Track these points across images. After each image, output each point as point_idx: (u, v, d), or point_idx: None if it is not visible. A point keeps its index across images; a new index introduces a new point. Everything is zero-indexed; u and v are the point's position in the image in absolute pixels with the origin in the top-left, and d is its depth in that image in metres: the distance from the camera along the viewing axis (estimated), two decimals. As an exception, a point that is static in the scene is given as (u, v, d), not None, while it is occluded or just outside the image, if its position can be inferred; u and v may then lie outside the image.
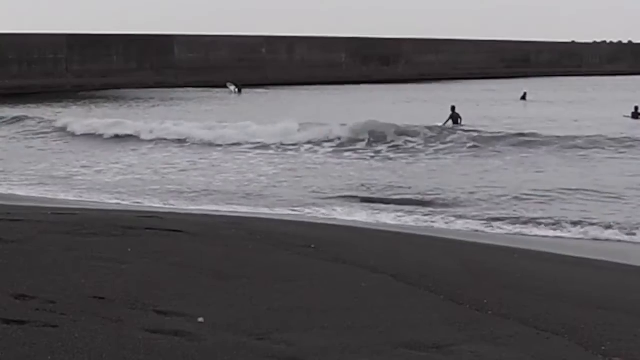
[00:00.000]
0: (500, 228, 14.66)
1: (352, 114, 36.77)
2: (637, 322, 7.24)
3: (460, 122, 35.26)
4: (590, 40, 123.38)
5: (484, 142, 27.48)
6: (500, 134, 28.66)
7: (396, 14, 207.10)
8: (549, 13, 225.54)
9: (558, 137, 27.66)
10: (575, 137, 27.48)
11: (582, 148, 26.01)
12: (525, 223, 15.00)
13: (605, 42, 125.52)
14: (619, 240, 13.73)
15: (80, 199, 17.85)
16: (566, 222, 14.89)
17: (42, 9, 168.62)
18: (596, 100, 55.65)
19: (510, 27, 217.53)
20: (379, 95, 65.82)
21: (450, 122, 35.20)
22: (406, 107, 51.24)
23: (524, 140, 27.39)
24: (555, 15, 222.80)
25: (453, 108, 35.69)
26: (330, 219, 15.28)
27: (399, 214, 15.97)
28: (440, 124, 35.13)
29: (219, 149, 28.18)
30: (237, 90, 66.50)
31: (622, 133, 29.12)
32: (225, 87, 71.18)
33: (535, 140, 27.33)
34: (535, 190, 18.28)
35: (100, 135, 32.03)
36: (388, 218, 15.52)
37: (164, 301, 6.75)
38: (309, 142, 28.05)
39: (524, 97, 54.60)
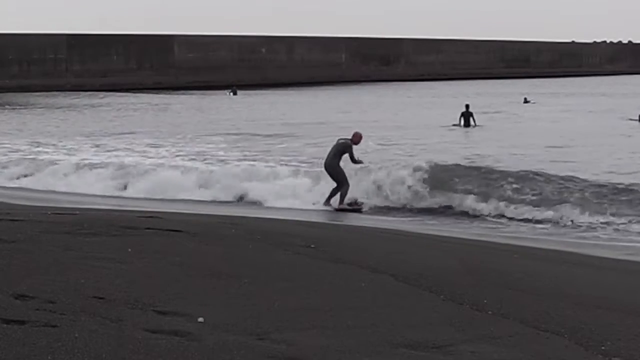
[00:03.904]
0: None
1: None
2: (637, 322, 7.24)
3: (474, 123, 34.90)
4: (590, 40, 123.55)
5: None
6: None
7: (396, 14, 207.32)
8: (549, 13, 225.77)
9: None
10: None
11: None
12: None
13: (605, 42, 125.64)
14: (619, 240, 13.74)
15: (80, 199, 17.85)
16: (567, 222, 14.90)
17: (42, 9, 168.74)
18: (598, 102, 55.69)
19: (510, 27, 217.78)
20: (378, 96, 65.79)
21: (462, 120, 34.97)
22: (408, 110, 51.17)
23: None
24: (555, 15, 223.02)
25: (467, 106, 35.38)
26: (330, 219, 15.30)
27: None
28: (455, 124, 35.06)
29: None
30: (232, 93, 66.52)
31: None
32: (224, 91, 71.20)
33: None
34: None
35: None
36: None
37: (164, 301, 6.74)
38: None
39: (526, 101, 54.45)
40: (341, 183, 17.06)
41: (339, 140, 17.68)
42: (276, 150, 27.24)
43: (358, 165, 17.57)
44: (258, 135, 32.66)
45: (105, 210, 14.17)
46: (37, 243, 8.74)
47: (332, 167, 17.17)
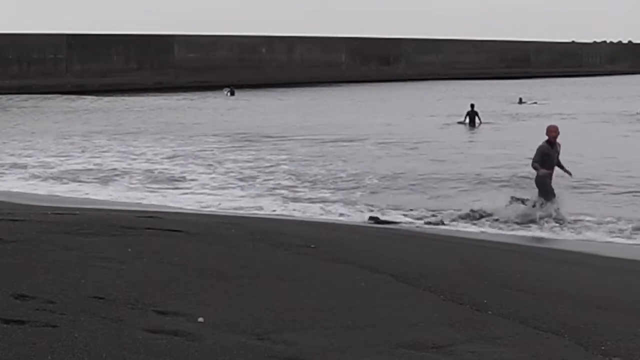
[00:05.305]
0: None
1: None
2: (637, 322, 7.24)
3: (479, 121, 35.90)
4: (590, 40, 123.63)
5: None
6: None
7: (396, 14, 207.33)
8: (549, 13, 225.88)
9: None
10: None
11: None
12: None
13: (605, 42, 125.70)
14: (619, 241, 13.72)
15: (80, 198, 17.85)
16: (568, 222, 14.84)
17: (42, 9, 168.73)
18: (598, 100, 55.71)
19: (510, 27, 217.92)
20: (379, 97, 65.73)
21: (468, 119, 36.02)
22: (411, 110, 51.16)
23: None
24: (555, 15, 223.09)
25: (472, 106, 36.42)
26: (330, 219, 15.27)
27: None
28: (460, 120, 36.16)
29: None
30: (230, 93, 66.50)
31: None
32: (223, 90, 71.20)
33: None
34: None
35: None
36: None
37: (164, 301, 6.74)
38: None
39: (521, 102, 54.48)
40: (541, 192, 14.89)
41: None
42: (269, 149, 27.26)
43: (566, 174, 15.17)
44: (247, 137, 32.70)
45: (105, 210, 14.16)
46: (37, 243, 8.74)
47: (537, 176, 14.96)
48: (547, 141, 14.95)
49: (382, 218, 15.02)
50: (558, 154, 15.01)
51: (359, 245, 10.60)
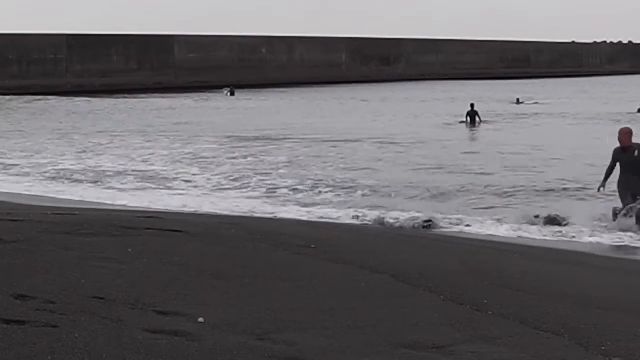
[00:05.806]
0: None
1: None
2: (637, 322, 7.24)
3: (479, 119, 36.62)
4: (590, 40, 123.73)
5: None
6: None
7: (396, 14, 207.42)
8: (549, 13, 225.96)
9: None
10: None
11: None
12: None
13: (605, 42, 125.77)
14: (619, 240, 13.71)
15: (80, 198, 17.85)
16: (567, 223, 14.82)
17: (42, 9, 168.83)
18: (598, 100, 55.77)
19: (510, 27, 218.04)
20: (380, 97, 65.73)
21: (468, 119, 36.70)
22: (413, 111, 51.19)
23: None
24: (555, 15, 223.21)
25: (472, 105, 37.15)
26: (330, 219, 15.27)
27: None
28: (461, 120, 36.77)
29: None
30: (229, 93, 66.53)
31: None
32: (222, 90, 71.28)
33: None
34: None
35: None
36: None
37: (164, 301, 6.74)
38: None
39: (518, 102, 54.56)
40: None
41: None
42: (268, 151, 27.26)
43: None
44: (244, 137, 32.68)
45: (105, 210, 14.16)
46: (37, 243, 8.74)
47: None
48: (621, 146, 13.80)
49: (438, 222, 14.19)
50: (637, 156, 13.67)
51: (359, 245, 10.60)
